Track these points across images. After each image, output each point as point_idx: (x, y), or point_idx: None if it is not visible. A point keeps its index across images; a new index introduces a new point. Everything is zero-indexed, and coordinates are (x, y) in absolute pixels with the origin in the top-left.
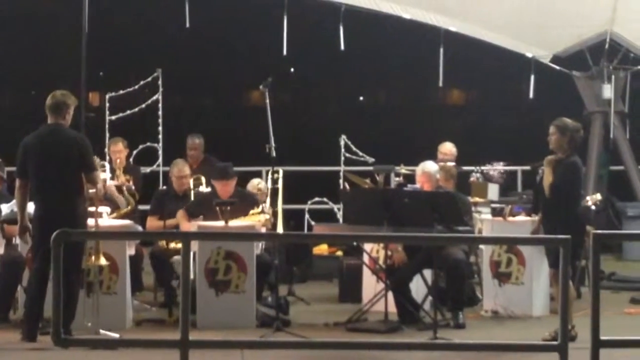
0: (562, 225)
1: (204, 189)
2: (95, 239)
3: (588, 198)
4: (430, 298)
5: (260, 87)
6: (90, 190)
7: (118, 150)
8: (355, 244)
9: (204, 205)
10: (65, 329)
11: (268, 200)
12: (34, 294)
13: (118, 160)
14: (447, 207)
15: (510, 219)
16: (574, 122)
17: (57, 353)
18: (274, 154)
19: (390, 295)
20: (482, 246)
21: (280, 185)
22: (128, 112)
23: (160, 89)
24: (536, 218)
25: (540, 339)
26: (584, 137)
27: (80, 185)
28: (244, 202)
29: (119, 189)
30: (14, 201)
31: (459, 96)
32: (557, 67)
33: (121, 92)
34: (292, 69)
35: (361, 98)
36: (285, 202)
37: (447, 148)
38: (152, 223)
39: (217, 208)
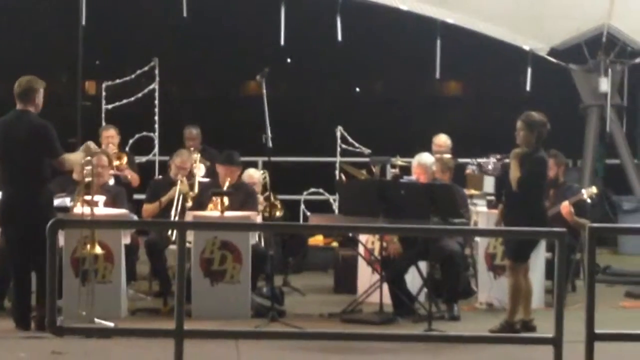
0: (528, 219)
1: (199, 179)
2: (91, 228)
3: (583, 191)
4: (425, 290)
5: (257, 77)
6: (74, 176)
7: (110, 135)
8: (350, 235)
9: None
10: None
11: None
12: (16, 284)
13: (110, 146)
14: (444, 199)
15: None
16: (540, 117)
17: (52, 341)
18: (270, 144)
19: (385, 286)
20: (477, 238)
21: (267, 182)
22: (124, 101)
23: (157, 78)
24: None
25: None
26: (582, 130)
27: (45, 174)
28: (240, 194)
29: (117, 179)
30: None
31: (456, 88)
32: (554, 60)
33: (118, 81)
34: (288, 60)
35: (358, 89)
36: (280, 192)
37: (442, 140)
38: (147, 207)
39: (213, 198)
